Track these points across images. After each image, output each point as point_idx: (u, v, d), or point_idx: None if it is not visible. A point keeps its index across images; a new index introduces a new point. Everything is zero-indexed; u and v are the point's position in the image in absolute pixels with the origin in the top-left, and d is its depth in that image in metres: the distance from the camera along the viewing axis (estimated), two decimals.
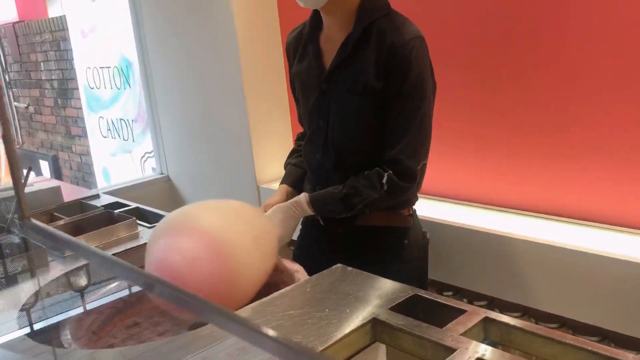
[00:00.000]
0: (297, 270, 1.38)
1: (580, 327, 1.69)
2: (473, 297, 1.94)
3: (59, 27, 4.76)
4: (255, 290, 1.18)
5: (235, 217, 1.25)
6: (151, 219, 1.76)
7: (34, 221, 0.61)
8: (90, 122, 4.43)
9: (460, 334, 0.93)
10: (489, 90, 1.95)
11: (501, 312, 1.88)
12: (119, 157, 4.16)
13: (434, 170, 1.79)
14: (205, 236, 1.13)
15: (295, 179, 1.65)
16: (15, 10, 5.52)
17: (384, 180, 1.42)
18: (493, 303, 1.90)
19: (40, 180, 2.89)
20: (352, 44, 1.43)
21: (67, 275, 1.39)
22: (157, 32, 2.89)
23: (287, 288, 1.15)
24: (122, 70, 3.80)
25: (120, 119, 3.99)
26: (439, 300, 1.06)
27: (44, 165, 5.64)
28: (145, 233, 1.61)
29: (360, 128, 1.48)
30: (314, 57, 1.52)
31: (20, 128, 5.91)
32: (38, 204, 1.81)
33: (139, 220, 1.68)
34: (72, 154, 5.19)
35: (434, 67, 1.48)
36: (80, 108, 4.57)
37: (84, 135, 4.70)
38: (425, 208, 1.93)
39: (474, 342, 0.90)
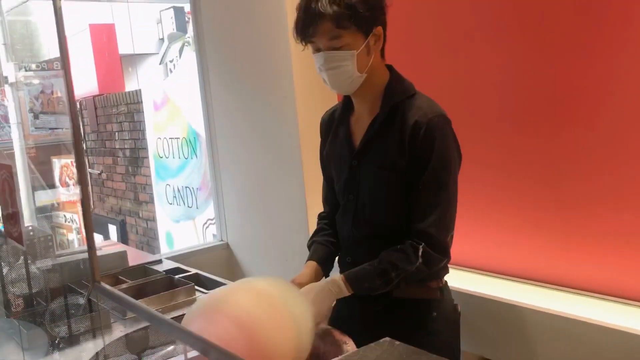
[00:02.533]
0: (346, 342, 1.40)
1: None
2: None
3: (134, 100, 5.10)
4: None
5: (269, 298, 1.26)
6: (209, 285, 1.83)
7: (103, 284, 0.67)
8: (158, 189, 4.65)
9: None
10: (526, 164, 1.97)
11: None
12: (182, 224, 4.33)
13: (472, 241, 1.80)
14: (236, 320, 1.16)
15: (321, 256, 1.67)
16: (97, 84, 5.95)
17: (420, 253, 1.45)
18: None
19: (108, 244, 3.04)
20: (379, 124, 1.52)
21: (127, 336, 1.46)
22: (224, 105, 3.07)
23: (344, 356, 1.16)
24: (189, 141, 4.00)
25: (186, 187, 4.17)
26: None
27: (112, 229, 5.89)
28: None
29: (388, 202, 1.54)
30: (345, 137, 1.61)
31: (93, 193, 6.25)
32: (105, 267, 1.91)
33: (198, 286, 1.76)
34: (138, 219, 5.41)
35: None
36: (149, 176, 4.81)
37: (150, 201, 4.91)
38: (461, 280, 1.93)
39: None
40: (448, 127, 1.50)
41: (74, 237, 5.40)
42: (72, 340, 1.51)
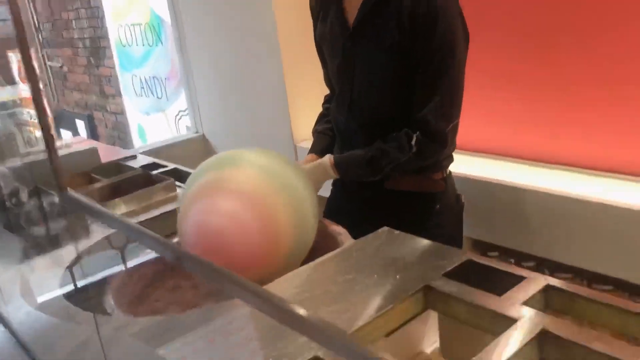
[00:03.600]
0: (340, 232, 1.33)
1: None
2: (521, 258, 1.87)
3: None
4: (307, 250, 1.14)
5: (274, 172, 1.12)
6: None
7: (71, 193, 0.57)
8: (124, 81, 4.42)
9: (522, 303, 0.87)
10: (536, 38, 1.85)
11: (551, 274, 1.82)
12: (152, 116, 4.15)
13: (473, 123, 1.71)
14: (245, 194, 1.05)
15: (323, 147, 1.57)
16: None
17: (413, 142, 1.35)
18: (543, 264, 1.83)
19: (77, 141, 2.89)
20: None
21: (108, 238, 1.37)
22: None
23: (332, 253, 1.10)
24: (153, 27, 3.74)
25: (153, 77, 3.96)
26: (495, 266, 1.00)
27: (80, 125, 5.68)
28: None
29: (387, 87, 1.41)
30: (337, 15, 1.45)
31: (56, 88, 5.95)
32: (76, 166, 1.79)
33: (177, 181, 1.65)
34: (107, 113, 5.20)
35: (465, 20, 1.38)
36: (114, 67, 4.55)
37: (117, 94, 4.69)
38: (463, 165, 1.87)
39: (536, 311, 0.85)
40: (454, 3, 1.34)
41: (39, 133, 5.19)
42: (47, 244, 1.42)
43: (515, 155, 1.99)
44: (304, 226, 1.12)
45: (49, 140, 0.52)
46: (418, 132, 1.36)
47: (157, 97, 3.99)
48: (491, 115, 2.03)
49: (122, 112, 4.69)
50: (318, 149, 1.57)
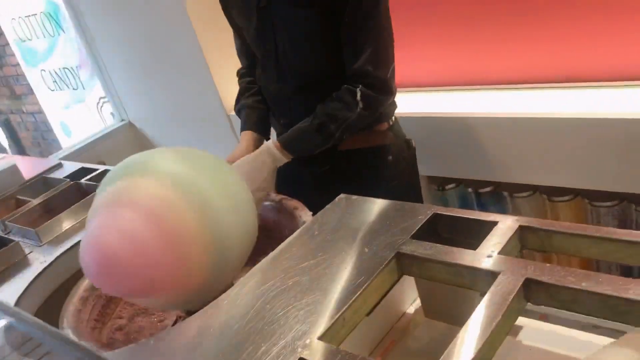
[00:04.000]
0: (296, 207, 1.26)
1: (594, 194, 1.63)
2: (477, 186, 1.86)
3: None
4: (240, 262, 1.04)
5: (187, 181, 0.97)
6: None
7: None
8: (33, 77, 4.13)
9: (498, 253, 0.83)
10: None
11: (510, 194, 1.82)
12: (73, 108, 3.92)
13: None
14: (146, 209, 0.92)
15: (256, 121, 1.46)
16: None
17: (358, 97, 1.27)
18: (500, 186, 1.83)
19: None
20: None
21: (51, 265, 1.27)
22: None
23: (294, 235, 1.03)
24: (50, 15, 3.47)
25: (64, 68, 3.71)
26: (462, 215, 0.96)
27: None
28: None
29: (313, 44, 1.32)
30: None
31: None
32: None
33: None
34: (23, 115, 4.89)
35: None
36: (18, 65, 4.24)
37: (29, 92, 4.39)
38: (405, 104, 1.82)
39: (517, 260, 0.81)
40: None
41: None
42: None
43: (454, 84, 1.95)
44: (224, 239, 0.97)
45: None
46: (360, 86, 1.28)
47: (73, 89, 3.75)
48: (423, 47, 1.97)
49: (39, 111, 4.41)
50: (251, 124, 1.45)
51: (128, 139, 2.82)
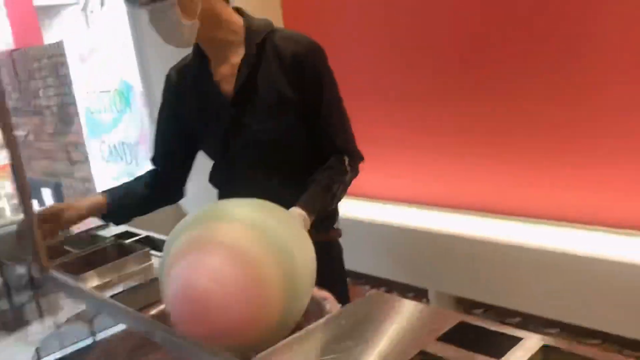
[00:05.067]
0: (326, 297, 1.29)
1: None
2: (504, 315, 1.86)
3: (57, 53, 4.71)
4: (299, 315, 1.09)
5: (267, 227, 1.06)
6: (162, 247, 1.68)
7: (54, 273, 0.53)
8: (92, 147, 4.36)
9: None
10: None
11: (538, 330, 1.80)
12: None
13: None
14: (232, 250, 0.99)
15: (120, 195, 1.66)
16: (12, 38, 5.47)
17: (346, 164, 1.52)
18: (529, 320, 1.82)
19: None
20: (250, 65, 1.46)
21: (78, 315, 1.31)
22: (161, 54, 2.83)
23: (322, 320, 1.06)
24: (122, 93, 3.73)
25: (123, 143, 3.92)
26: (489, 327, 0.98)
27: (46, 193, 5.55)
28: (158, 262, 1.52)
29: (286, 133, 1.51)
30: (211, 88, 1.52)
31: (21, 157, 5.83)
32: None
33: (152, 250, 1.60)
34: (74, 180, 5.11)
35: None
36: (81, 133, 4.50)
37: (85, 160, 4.62)
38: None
39: None
40: (323, 52, 1.51)
41: (4, 204, 5.05)
42: (16, 323, 1.34)
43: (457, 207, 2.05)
44: (296, 290, 1.05)
45: (30, 214, 0.49)
46: (346, 156, 1.52)
47: (127, 163, 3.94)
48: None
49: (89, 179, 4.61)
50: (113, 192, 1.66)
51: (172, 215, 2.92)
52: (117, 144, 4.01)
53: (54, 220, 1.46)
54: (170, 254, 1.05)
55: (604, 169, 1.72)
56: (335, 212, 1.66)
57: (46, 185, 5.61)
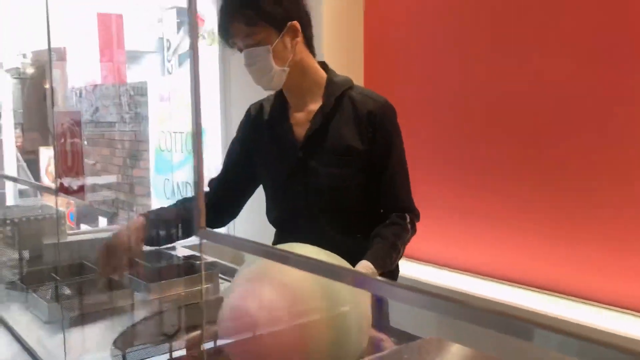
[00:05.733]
0: (382, 339, 1.35)
1: None
2: None
3: (138, 92, 5.02)
4: (357, 350, 1.14)
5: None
6: (227, 273, 1.77)
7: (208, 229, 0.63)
8: (156, 183, 4.54)
9: None
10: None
11: None
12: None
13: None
14: (287, 287, 1.09)
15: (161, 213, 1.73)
16: (99, 73, 5.86)
17: (408, 220, 1.60)
18: None
19: (104, 229, 2.94)
20: (324, 115, 1.58)
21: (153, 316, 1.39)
22: (243, 99, 3.03)
23: (385, 353, 1.12)
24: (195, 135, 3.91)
25: (187, 182, 4.08)
26: None
27: (102, 221, 5.75)
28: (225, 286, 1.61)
29: (346, 183, 1.60)
30: (285, 130, 1.63)
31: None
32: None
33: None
34: (132, 213, 5.29)
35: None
36: (148, 169, 4.71)
37: (147, 195, 4.81)
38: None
39: None
40: (395, 111, 1.63)
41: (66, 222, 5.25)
42: (96, 315, 1.44)
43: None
44: (344, 334, 1.11)
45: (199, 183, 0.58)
46: (407, 214, 1.60)
47: None
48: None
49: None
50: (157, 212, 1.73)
51: (230, 251, 3.03)
52: (180, 183, 4.18)
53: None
54: (233, 282, 1.19)
55: None
56: (397, 269, 1.72)
57: (103, 214, 5.82)
